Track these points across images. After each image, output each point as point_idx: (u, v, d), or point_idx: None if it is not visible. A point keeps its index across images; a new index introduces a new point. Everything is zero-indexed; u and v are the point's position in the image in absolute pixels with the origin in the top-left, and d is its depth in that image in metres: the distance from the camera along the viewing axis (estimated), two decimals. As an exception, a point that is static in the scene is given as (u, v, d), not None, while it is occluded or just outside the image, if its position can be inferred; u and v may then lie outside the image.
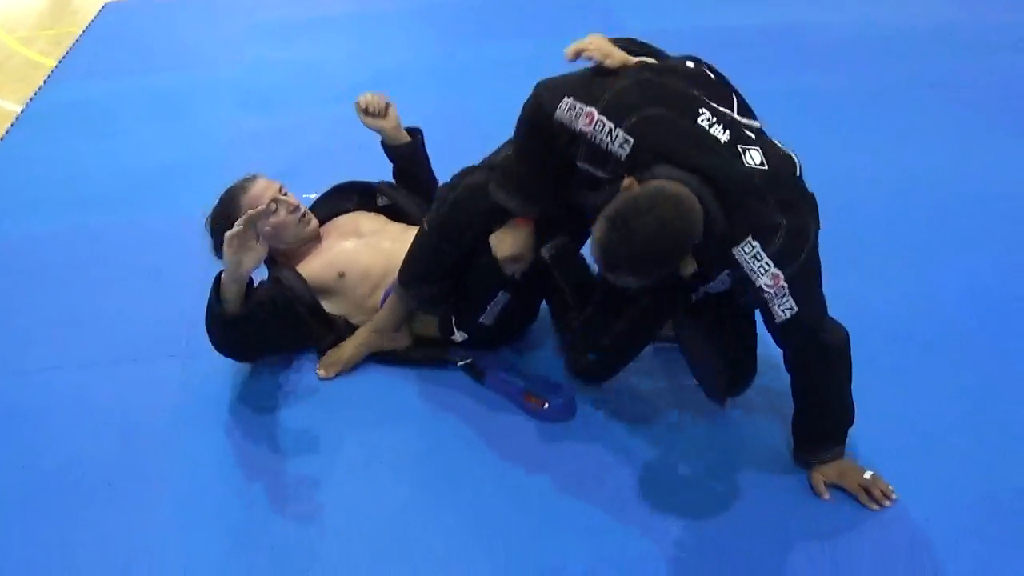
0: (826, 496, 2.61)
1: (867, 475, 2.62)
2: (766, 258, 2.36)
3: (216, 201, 3.30)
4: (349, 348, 3.17)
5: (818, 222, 2.48)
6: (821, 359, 2.55)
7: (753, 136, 2.49)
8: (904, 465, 2.69)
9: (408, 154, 3.52)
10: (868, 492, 2.59)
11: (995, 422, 2.87)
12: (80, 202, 4.40)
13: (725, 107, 2.53)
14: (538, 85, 2.66)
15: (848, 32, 6.47)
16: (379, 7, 7.53)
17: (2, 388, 3.18)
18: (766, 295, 2.38)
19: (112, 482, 2.72)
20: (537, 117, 2.61)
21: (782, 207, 2.39)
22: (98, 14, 7.78)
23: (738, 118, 2.53)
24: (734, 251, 2.37)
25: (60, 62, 6.53)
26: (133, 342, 3.34)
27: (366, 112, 3.41)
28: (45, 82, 6.12)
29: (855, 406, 2.63)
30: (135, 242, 4.01)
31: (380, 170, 3.60)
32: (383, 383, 3.12)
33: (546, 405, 2.94)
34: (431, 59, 6.08)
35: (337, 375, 3.13)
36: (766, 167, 2.41)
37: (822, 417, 2.66)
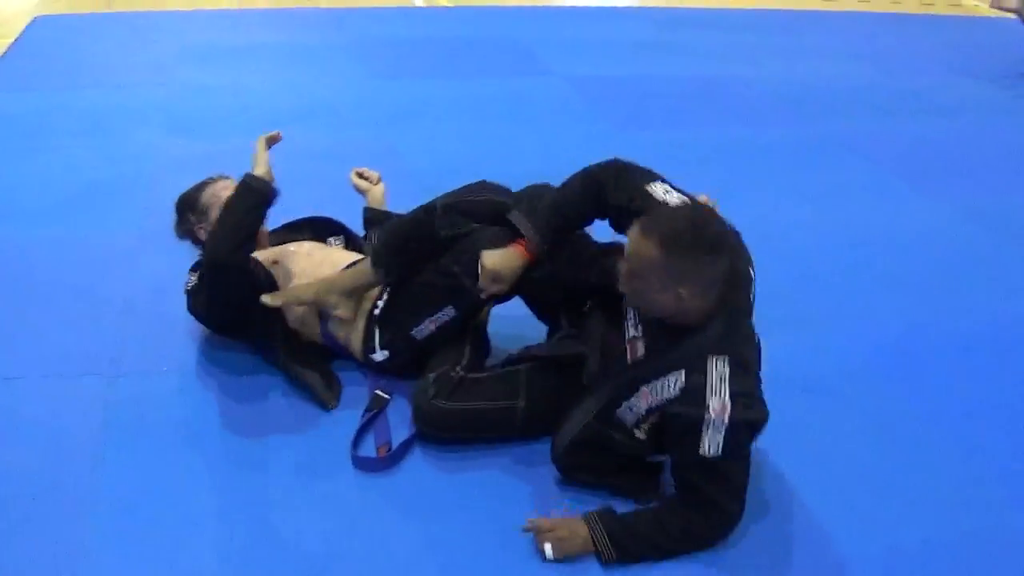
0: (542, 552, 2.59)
1: (567, 542, 2.60)
2: (727, 386, 2.47)
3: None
4: (301, 286, 3.23)
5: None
6: (694, 511, 2.59)
7: None
8: (810, 511, 2.83)
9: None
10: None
11: (902, 471, 3.01)
12: (6, 215, 4.41)
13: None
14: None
15: (769, 89, 6.73)
16: (308, 39, 7.66)
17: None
18: (706, 418, 2.44)
19: (36, 496, 2.74)
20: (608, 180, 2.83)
21: (755, 361, 2.64)
22: (27, 26, 7.77)
23: None
24: (709, 358, 2.50)
25: (-13, 74, 6.53)
26: (58, 358, 3.36)
27: (360, 176, 3.77)
28: (-28, 93, 6.11)
29: (645, 560, 2.61)
30: (62, 258, 4.03)
31: (300, 203, 3.70)
32: (308, 404, 3.19)
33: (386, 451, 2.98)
34: (359, 94, 6.17)
35: (281, 303, 3.18)
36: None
37: (646, 535, 2.61)
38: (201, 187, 3.53)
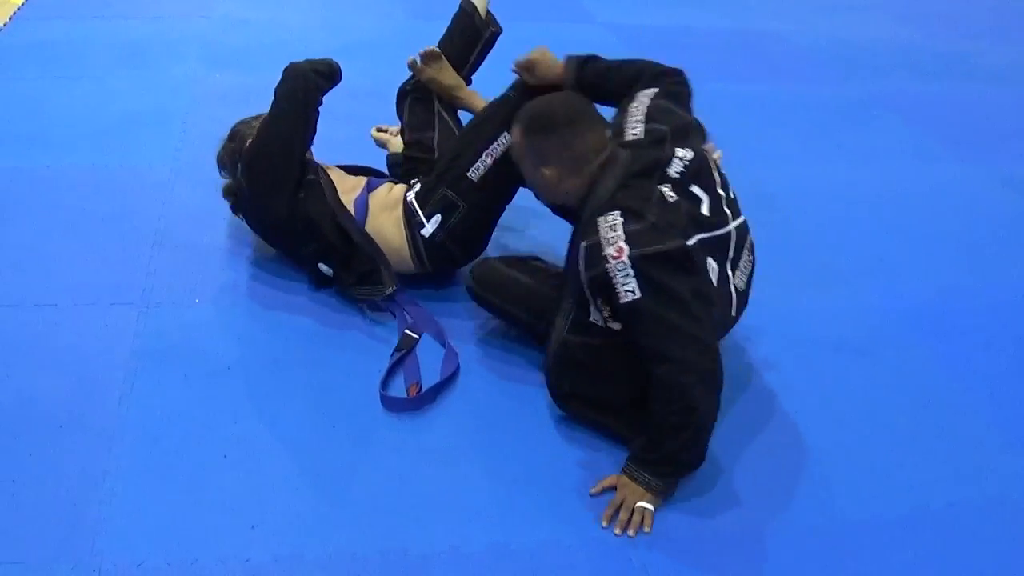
0: (592, 490, 2.65)
1: (644, 505, 2.58)
2: (620, 232, 2.50)
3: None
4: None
5: (693, 268, 2.58)
6: (659, 388, 2.54)
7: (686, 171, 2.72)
8: (837, 471, 2.82)
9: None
10: (619, 513, 2.58)
11: (929, 434, 3.00)
12: (40, 143, 4.39)
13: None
14: None
15: (812, 45, 6.63)
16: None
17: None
18: (608, 267, 2.48)
19: (63, 424, 2.76)
20: None
21: (660, 213, 2.56)
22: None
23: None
24: (598, 218, 2.54)
25: (26, 1, 6.49)
26: (89, 287, 3.37)
27: (380, 130, 3.88)
28: (11, 19, 6.08)
29: (698, 460, 2.62)
30: (96, 187, 4.02)
31: (341, 140, 3.75)
32: (344, 336, 3.21)
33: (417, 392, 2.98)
34: (400, 33, 6.10)
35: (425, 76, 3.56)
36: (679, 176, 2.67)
37: (655, 441, 2.61)
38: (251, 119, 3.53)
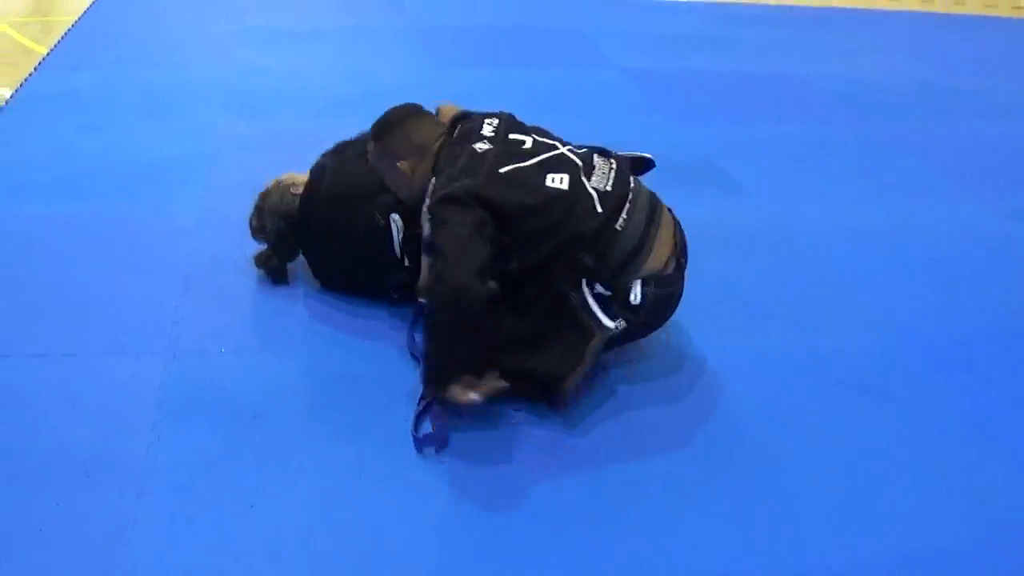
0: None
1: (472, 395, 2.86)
2: (432, 190, 3.07)
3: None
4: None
5: (480, 204, 2.92)
6: (433, 291, 2.86)
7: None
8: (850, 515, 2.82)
9: None
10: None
11: (954, 476, 2.99)
12: (69, 190, 4.45)
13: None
14: None
15: (826, 87, 6.68)
16: (368, 23, 7.68)
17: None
18: (423, 221, 3.07)
19: (90, 473, 2.77)
20: None
21: (464, 166, 3.05)
22: (91, 5, 7.84)
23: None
24: (428, 188, 3.12)
25: (52, 50, 6.59)
26: (116, 336, 3.40)
27: None
28: (36, 69, 6.17)
29: (440, 374, 2.89)
30: (122, 234, 4.06)
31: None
32: (372, 383, 3.22)
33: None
34: (422, 81, 6.16)
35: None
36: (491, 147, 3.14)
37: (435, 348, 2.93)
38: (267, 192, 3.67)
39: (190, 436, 2.95)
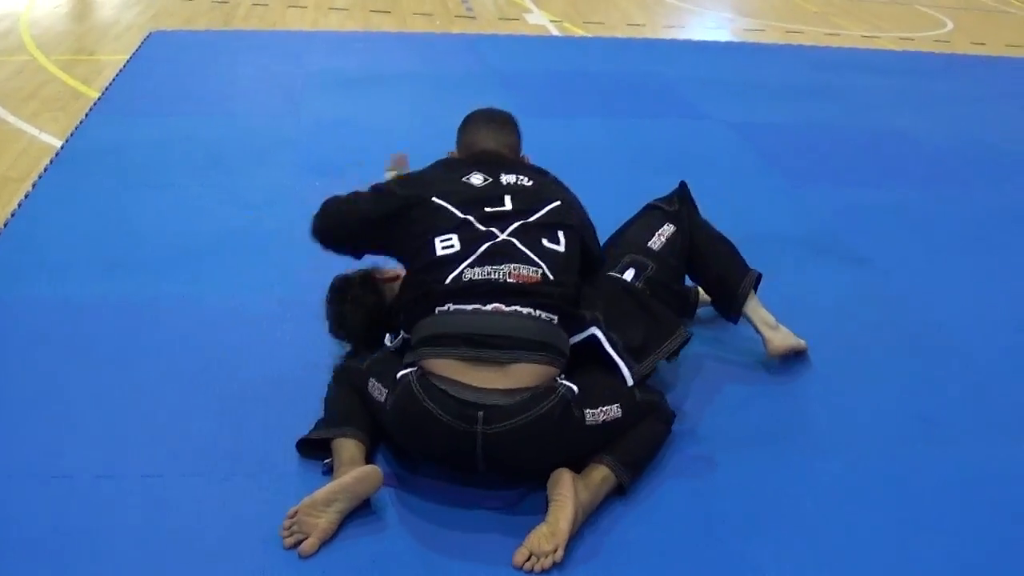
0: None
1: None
2: None
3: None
4: None
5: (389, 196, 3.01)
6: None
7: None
8: None
9: None
10: None
11: None
12: (125, 265, 3.88)
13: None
14: None
15: (945, 145, 6.05)
16: (443, 68, 7.15)
17: (42, 496, 2.62)
18: None
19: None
20: None
21: (432, 177, 3.13)
22: (143, 43, 7.33)
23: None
24: None
25: (103, 95, 6.05)
26: (200, 452, 2.82)
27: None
28: (88, 115, 5.64)
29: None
30: (193, 323, 3.50)
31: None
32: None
33: None
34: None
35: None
36: None
37: None
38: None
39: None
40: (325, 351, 3.24)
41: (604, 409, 2.68)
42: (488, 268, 2.75)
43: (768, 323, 3.35)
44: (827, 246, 4.43)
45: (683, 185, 3.44)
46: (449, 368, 2.62)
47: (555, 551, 2.43)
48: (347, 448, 2.69)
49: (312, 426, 2.81)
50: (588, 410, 2.65)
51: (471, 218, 2.86)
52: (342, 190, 3.16)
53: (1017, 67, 8.59)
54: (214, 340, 3.39)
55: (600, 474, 2.64)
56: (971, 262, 4.40)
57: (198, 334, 3.43)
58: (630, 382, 2.79)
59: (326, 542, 2.47)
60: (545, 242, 2.85)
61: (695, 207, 3.43)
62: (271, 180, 4.82)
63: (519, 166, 3.12)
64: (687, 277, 3.40)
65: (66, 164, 4.95)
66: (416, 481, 2.75)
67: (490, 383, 2.59)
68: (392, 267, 3.24)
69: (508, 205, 2.91)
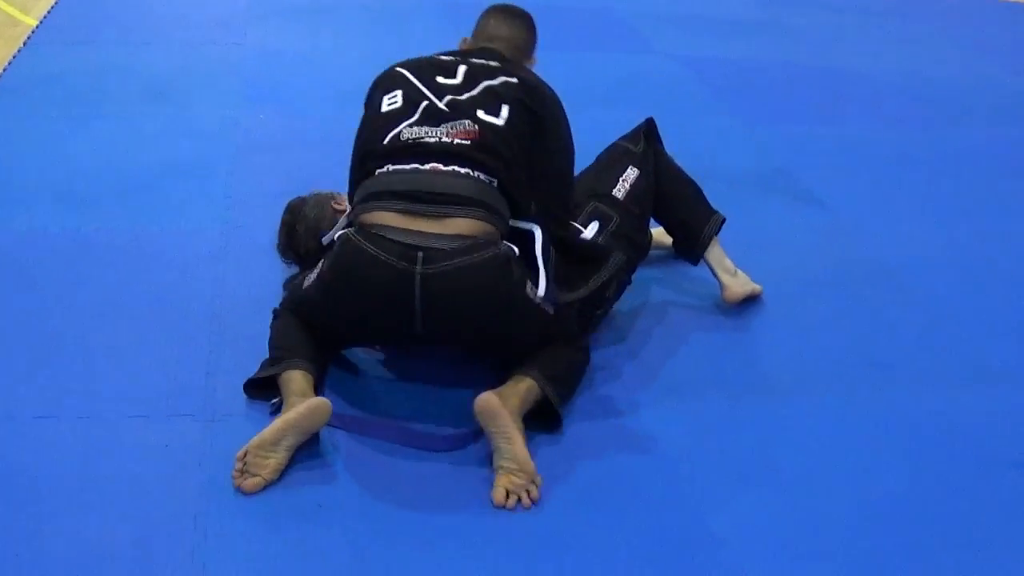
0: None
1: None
2: None
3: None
4: None
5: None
6: None
7: None
8: None
9: None
10: None
11: None
12: (69, 199, 3.79)
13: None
14: None
15: (894, 83, 6.04)
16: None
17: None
18: None
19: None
20: None
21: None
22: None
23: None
24: None
25: (41, 23, 5.89)
26: (141, 392, 2.74)
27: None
28: (25, 44, 5.49)
29: None
30: (135, 258, 3.42)
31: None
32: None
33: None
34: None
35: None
36: None
37: None
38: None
39: (242, 534, 2.30)
40: (272, 288, 3.19)
41: (540, 296, 2.70)
42: (426, 128, 2.79)
43: (727, 269, 3.34)
44: (780, 185, 4.43)
45: (650, 121, 3.42)
46: (388, 219, 2.65)
47: (531, 481, 2.44)
48: (295, 380, 2.65)
49: (259, 367, 2.76)
50: (528, 283, 2.68)
51: (419, 84, 2.90)
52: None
53: (970, 8, 8.57)
54: (157, 276, 3.32)
55: (525, 384, 2.64)
56: (924, 201, 4.41)
57: (140, 270, 3.36)
58: (542, 292, 2.72)
59: (274, 482, 2.43)
60: (481, 113, 2.83)
61: (661, 144, 3.41)
62: (215, 110, 4.74)
63: (505, 60, 3.07)
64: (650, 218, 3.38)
65: (4, 94, 4.83)
66: (365, 422, 2.71)
67: (429, 230, 2.62)
68: None
69: (459, 78, 2.91)
